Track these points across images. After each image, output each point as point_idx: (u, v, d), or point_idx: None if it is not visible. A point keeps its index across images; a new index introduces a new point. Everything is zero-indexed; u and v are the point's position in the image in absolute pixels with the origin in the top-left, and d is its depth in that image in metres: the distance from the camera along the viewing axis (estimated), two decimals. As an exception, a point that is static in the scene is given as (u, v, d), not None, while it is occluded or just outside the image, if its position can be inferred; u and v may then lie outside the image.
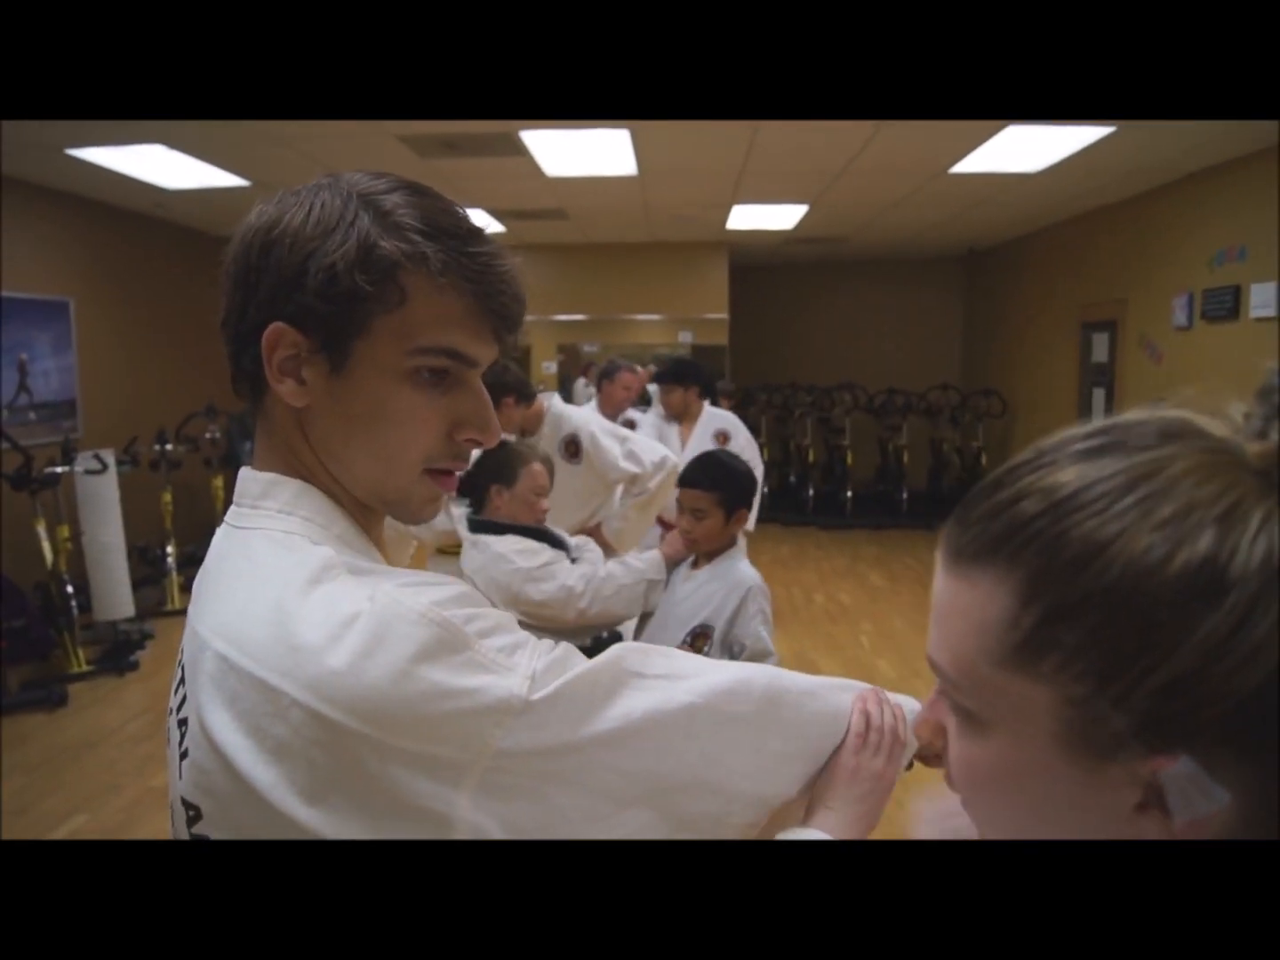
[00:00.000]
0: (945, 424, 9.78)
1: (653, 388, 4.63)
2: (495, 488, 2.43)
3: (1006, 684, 0.45)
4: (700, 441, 4.16)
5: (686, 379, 4.15)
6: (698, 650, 2.08)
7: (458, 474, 0.77)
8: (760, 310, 10.39)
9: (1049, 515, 0.43)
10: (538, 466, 2.47)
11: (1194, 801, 0.41)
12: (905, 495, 9.40)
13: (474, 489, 2.48)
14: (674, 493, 2.33)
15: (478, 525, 2.44)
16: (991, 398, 9.20)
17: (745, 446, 4.11)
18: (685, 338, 9.23)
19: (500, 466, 2.44)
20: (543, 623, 2.31)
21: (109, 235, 6.50)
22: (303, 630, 0.62)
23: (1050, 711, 0.43)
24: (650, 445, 3.43)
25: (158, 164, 5.25)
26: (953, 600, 0.47)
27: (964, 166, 5.49)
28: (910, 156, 5.30)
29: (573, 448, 3.37)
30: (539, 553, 2.36)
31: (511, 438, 3.19)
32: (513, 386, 3.23)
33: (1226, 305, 5.32)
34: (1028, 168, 5.55)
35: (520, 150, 5.10)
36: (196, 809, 0.65)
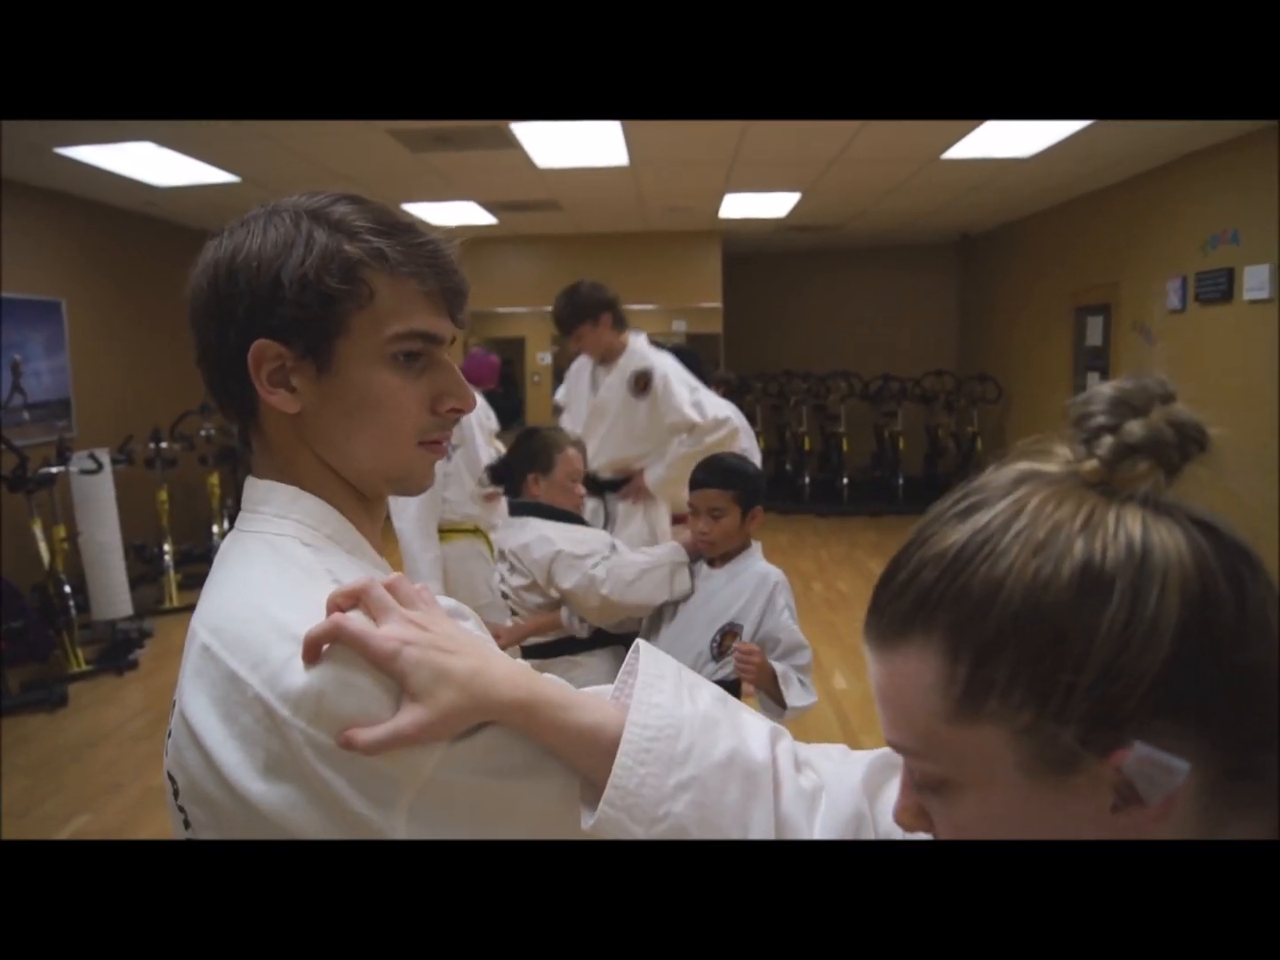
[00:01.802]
0: (940, 410, 9.79)
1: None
2: (532, 475, 2.47)
3: (963, 737, 0.49)
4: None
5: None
6: (725, 649, 2.08)
7: (445, 443, 0.82)
8: (754, 298, 10.38)
9: (948, 575, 0.49)
10: (572, 451, 2.50)
11: (1159, 780, 0.45)
12: (901, 481, 9.41)
13: (511, 475, 2.52)
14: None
15: (522, 508, 2.48)
16: (986, 383, 9.21)
17: (742, 436, 4.09)
18: (679, 326, 9.22)
19: (535, 454, 2.48)
20: (574, 608, 2.36)
21: (100, 234, 6.48)
22: (272, 630, 0.66)
23: (1009, 747, 0.47)
24: (717, 402, 3.41)
25: (147, 162, 5.23)
26: (889, 681, 0.52)
27: (955, 153, 5.48)
28: (901, 144, 5.29)
29: (642, 382, 3.40)
30: (584, 542, 2.39)
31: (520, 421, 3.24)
32: (611, 304, 3.37)
33: (1220, 288, 5.32)
34: (1019, 153, 5.55)
35: (511, 143, 5.08)
36: (176, 782, 0.70)
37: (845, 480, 9.40)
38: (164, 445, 6.36)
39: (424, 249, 0.77)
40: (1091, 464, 0.49)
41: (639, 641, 0.75)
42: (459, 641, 0.66)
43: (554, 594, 2.39)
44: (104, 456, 5.37)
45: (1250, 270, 5.07)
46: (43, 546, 5.01)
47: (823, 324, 10.66)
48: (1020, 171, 6.10)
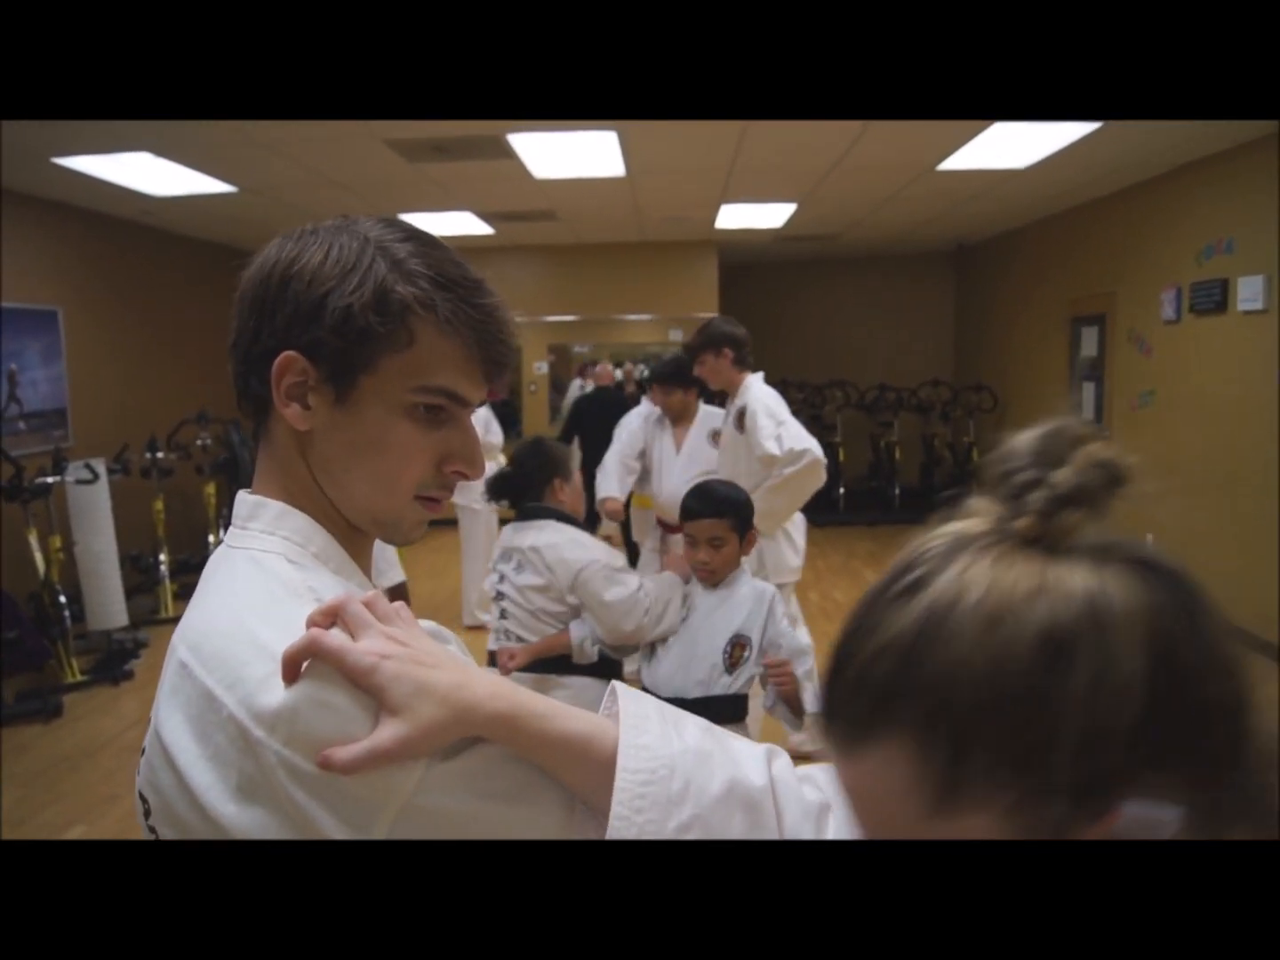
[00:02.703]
0: (937, 420, 9.80)
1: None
2: (558, 480, 2.53)
3: (947, 828, 0.46)
4: (697, 441, 4.14)
5: (687, 381, 4.15)
6: (736, 660, 2.12)
7: (443, 502, 0.81)
8: (750, 308, 10.38)
9: (904, 664, 0.46)
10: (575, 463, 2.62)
11: (1152, 834, 0.44)
12: (898, 491, 9.42)
13: (529, 483, 2.56)
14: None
15: (540, 511, 2.52)
16: (983, 393, 9.23)
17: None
18: (676, 336, 9.24)
19: (559, 461, 2.56)
20: (602, 621, 2.37)
21: (97, 243, 6.48)
22: (251, 648, 0.65)
23: (994, 830, 0.46)
24: (798, 434, 3.46)
25: (144, 171, 5.24)
26: (857, 785, 0.49)
27: (952, 163, 5.51)
28: (898, 154, 5.31)
29: (741, 418, 3.55)
30: (618, 556, 2.46)
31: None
32: (734, 341, 3.59)
33: (1214, 298, 5.34)
34: (1016, 163, 5.57)
35: (508, 153, 5.09)
36: (147, 802, 0.68)
37: (841, 490, 9.41)
38: (160, 455, 6.35)
39: (478, 310, 0.75)
40: (1025, 520, 0.47)
41: (614, 684, 0.73)
42: (438, 657, 0.64)
43: (571, 600, 2.39)
44: (100, 466, 5.36)
45: (1244, 281, 5.09)
46: (38, 556, 5.00)
47: (819, 334, 10.68)
48: (1016, 182, 6.13)
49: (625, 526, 5.37)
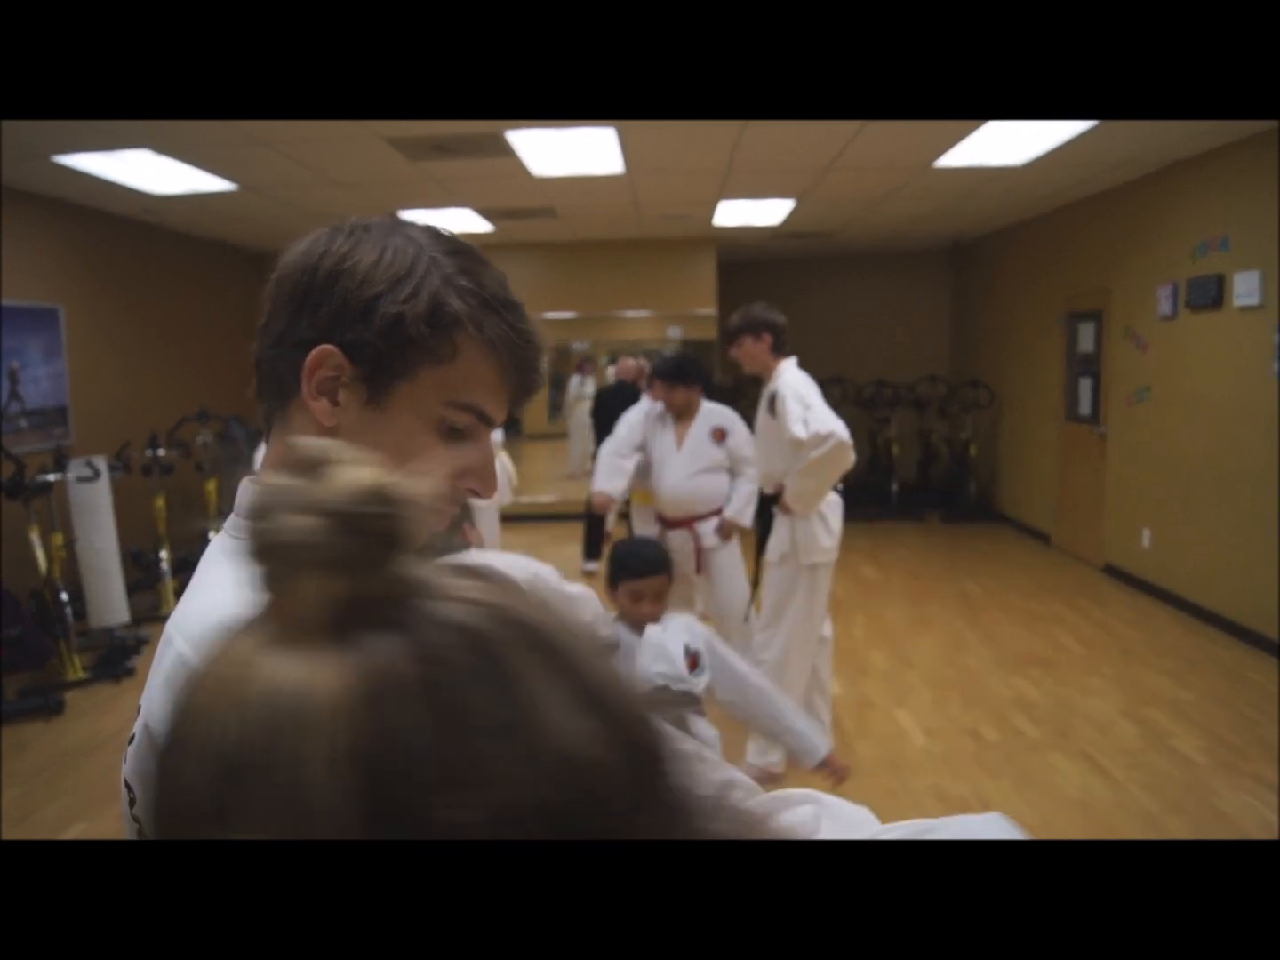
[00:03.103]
0: (934, 415, 9.81)
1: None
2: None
3: None
4: (698, 437, 4.16)
5: (690, 378, 4.16)
6: (694, 666, 2.27)
7: (448, 515, 0.80)
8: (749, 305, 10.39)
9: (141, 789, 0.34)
10: None
11: None
12: (895, 487, 9.42)
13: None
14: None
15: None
16: (979, 389, 9.24)
17: (744, 442, 4.11)
18: (674, 333, 9.25)
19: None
20: None
21: (98, 241, 6.49)
22: None
23: None
24: (824, 417, 3.52)
25: (145, 169, 5.25)
26: None
27: (949, 161, 5.52)
28: (895, 152, 5.33)
29: (772, 403, 3.64)
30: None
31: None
32: (773, 326, 3.68)
33: (1210, 294, 5.36)
34: (1012, 161, 5.59)
35: (508, 151, 5.11)
36: (133, 792, 0.69)
37: (839, 486, 9.42)
38: (161, 452, 6.36)
39: (520, 335, 0.76)
40: (274, 599, 0.35)
41: None
42: None
43: None
44: (101, 464, 5.38)
45: (1240, 276, 5.11)
46: (40, 554, 5.01)
47: (816, 330, 10.67)
48: (1013, 179, 6.14)
49: (628, 521, 5.39)
